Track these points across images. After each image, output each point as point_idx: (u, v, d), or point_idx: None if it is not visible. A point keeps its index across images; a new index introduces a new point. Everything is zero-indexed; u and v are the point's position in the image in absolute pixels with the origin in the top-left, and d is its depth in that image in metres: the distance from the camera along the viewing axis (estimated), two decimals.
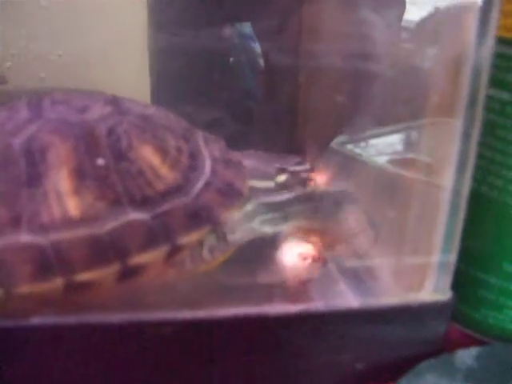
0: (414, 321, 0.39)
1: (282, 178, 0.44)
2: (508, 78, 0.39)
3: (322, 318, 0.37)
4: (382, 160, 0.50)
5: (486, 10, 0.35)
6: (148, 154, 0.36)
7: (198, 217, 0.36)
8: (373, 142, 0.50)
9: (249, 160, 0.43)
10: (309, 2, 0.52)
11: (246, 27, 0.55)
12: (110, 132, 0.36)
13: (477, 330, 0.43)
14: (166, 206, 0.36)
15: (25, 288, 0.33)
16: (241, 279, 0.40)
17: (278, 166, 0.44)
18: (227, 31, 0.53)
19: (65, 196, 0.34)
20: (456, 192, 0.38)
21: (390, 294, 0.41)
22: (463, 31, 0.36)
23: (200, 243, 0.38)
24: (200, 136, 0.41)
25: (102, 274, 0.34)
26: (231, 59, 0.55)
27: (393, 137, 0.49)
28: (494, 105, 0.40)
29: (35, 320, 0.34)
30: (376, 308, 0.39)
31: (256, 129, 0.56)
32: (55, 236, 0.34)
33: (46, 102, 0.38)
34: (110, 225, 0.34)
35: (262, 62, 0.56)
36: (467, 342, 0.42)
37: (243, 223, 0.40)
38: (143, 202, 0.35)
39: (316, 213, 0.42)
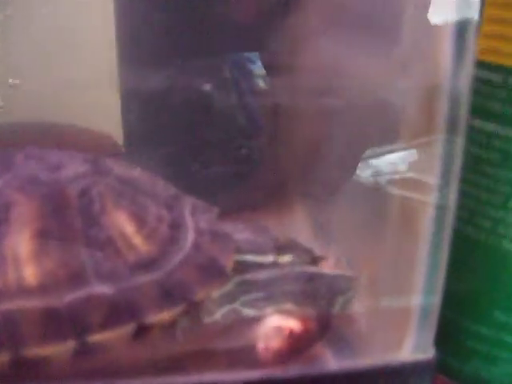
0: (393, 383, 0.36)
1: (285, 258, 0.39)
2: (494, 106, 0.36)
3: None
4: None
5: (461, 32, 0.32)
6: (122, 221, 0.33)
7: (170, 295, 0.33)
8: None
9: (245, 231, 0.39)
10: None
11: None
12: (83, 193, 0.33)
13: None
14: (135, 281, 0.32)
15: None
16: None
17: (282, 240, 0.40)
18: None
19: (23, 260, 0.31)
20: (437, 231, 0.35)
21: (366, 354, 0.38)
22: (437, 56, 0.34)
23: (172, 323, 0.34)
24: (187, 204, 0.37)
25: (55, 351, 0.31)
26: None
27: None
28: (479, 137, 0.37)
29: None
30: (353, 370, 0.36)
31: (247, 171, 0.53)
32: (6, 305, 0.30)
33: (20, 156, 0.35)
34: (70, 296, 0.31)
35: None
36: None
37: (223, 303, 0.36)
38: (110, 274, 0.32)
39: (308, 297, 0.37)
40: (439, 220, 0.35)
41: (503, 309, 0.38)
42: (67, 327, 0.31)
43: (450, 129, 0.34)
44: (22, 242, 0.31)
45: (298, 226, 0.49)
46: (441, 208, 0.35)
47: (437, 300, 0.36)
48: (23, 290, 0.31)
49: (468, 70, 0.33)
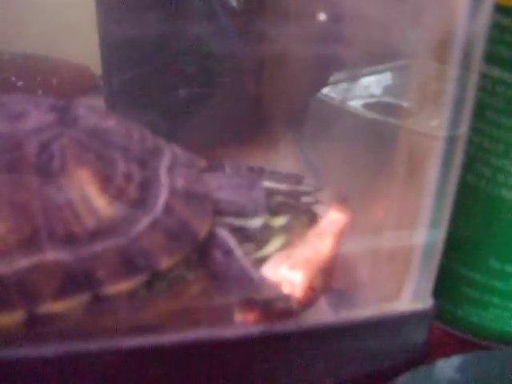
0: (390, 333, 0.35)
1: (280, 220, 0.36)
2: (501, 51, 0.35)
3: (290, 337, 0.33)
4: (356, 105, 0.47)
5: None
6: (84, 180, 0.30)
7: (132, 263, 0.30)
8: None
9: (232, 186, 0.36)
10: None
11: None
12: (42, 148, 0.30)
13: (459, 329, 0.41)
14: (94, 247, 0.30)
15: None
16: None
17: (278, 198, 0.37)
18: None
19: None
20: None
21: (364, 304, 0.37)
22: None
23: (131, 293, 0.31)
24: (165, 159, 0.34)
25: (2, 321, 0.28)
26: None
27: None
28: (484, 83, 0.36)
29: None
30: (350, 321, 0.34)
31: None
32: None
33: None
34: (21, 264, 0.28)
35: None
36: (448, 340, 0.41)
37: (173, 268, 0.32)
38: (66, 240, 0.29)
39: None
40: (446, 160, 0.34)
41: (498, 256, 0.38)
42: (16, 296, 0.28)
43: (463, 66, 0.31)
44: None
45: (286, 161, 0.47)
46: (449, 145, 0.33)
47: (439, 244, 0.35)
48: None
49: (486, 14, 0.30)
